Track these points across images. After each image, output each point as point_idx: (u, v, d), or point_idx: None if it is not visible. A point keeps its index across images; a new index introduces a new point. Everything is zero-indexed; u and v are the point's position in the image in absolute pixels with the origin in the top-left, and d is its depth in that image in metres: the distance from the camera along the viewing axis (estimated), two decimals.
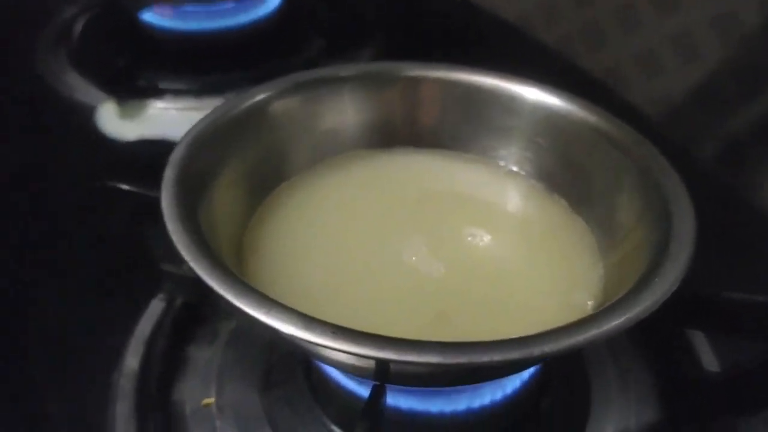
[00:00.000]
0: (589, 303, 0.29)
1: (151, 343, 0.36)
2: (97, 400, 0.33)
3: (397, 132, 0.36)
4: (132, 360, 0.35)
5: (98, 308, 0.37)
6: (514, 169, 0.35)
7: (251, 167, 0.32)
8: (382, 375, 0.25)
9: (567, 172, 0.34)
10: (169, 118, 0.51)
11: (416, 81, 0.36)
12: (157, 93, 0.52)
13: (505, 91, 0.35)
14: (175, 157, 0.29)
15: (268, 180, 0.34)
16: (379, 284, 0.30)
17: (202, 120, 0.31)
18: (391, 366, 0.23)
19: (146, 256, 0.36)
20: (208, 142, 0.30)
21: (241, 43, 0.56)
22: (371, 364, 0.23)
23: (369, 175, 0.35)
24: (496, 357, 0.21)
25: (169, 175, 0.28)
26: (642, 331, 0.35)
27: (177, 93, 0.53)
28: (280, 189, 0.34)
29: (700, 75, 0.58)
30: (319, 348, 0.22)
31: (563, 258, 0.31)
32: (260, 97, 0.33)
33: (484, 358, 0.21)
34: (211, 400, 0.34)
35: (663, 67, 0.60)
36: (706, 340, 0.34)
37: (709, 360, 0.34)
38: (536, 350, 0.22)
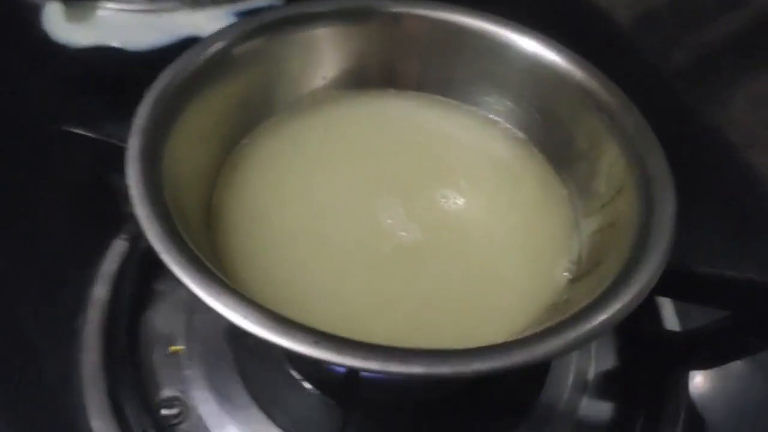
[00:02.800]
0: (565, 275, 0.29)
1: (116, 285, 0.35)
2: (64, 349, 0.33)
3: (374, 73, 0.35)
4: (97, 303, 0.34)
5: (61, 250, 0.36)
6: (495, 118, 0.34)
7: (218, 119, 0.31)
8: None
9: (549, 128, 0.33)
10: (121, 22, 0.47)
11: (396, 18, 0.34)
12: None
13: (492, 35, 0.33)
14: (138, 124, 0.27)
15: (237, 131, 0.32)
16: (354, 254, 0.29)
17: (163, 75, 0.29)
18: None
19: (108, 199, 0.35)
20: (172, 100, 0.28)
21: None
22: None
23: (341, 123, 0.34)
24: (477, 367, 0.21)
25: (134, 145, 0.26)
26: None
27: None
28: (248, 140, 0.32)
29: None
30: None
31: (541, 224, 0.31)
32: (223, 43, 0.31)
33: (467, 368, 0.21)
34: (180, 347, 0.34)
35: None
36: (672, 304, 0.35)
37: (672, 321, 0.35)
38: (516, 359, 0.22)
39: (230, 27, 0.31)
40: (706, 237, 0.39)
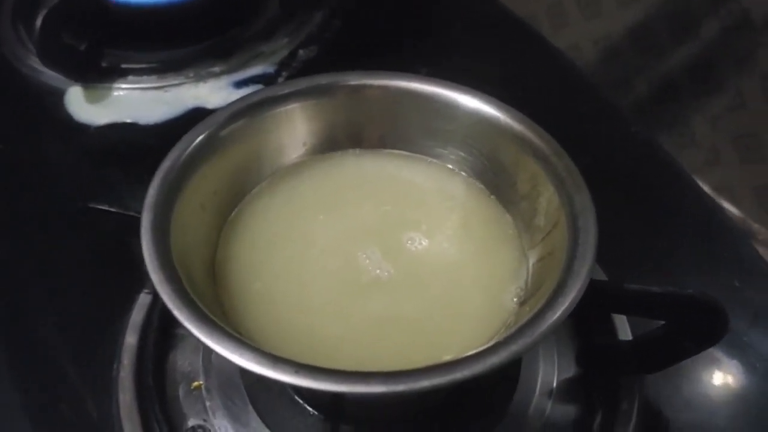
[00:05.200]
0: (515, 300, 0.34)
1: (144, 332, 0.41)
2: (103, 391, 0.39)
3: (344, 136, 0.40)
4: (129, 349, 0.40)
5: (95, 305, 0.42)
6: (452, 167, 0.40)
7: (216, 189, 0.36)
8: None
9: (496, 173, 0.38)
10: (134, 99, 0.54)
11: (358, 89, 0.39)
12: (121, 74, 0.55)
13: (442, 97, 0.39)
14: (149, 202, 0.33)
15: (233, 197, 0.38)
16: (336, 291, 0.35)
17: (167, 158, 0.34)
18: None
19: (132, 260, 0.41)
20: (175, 178, 0.34)
21: (196, 15, 0.58)
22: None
23: (321, 181, 0.39)
24: (426, 384, 0.27)
25: (146, 219, 0.32)
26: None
27: (139, 72, 0.55)
28: (243, 204, 0.38)
29: (636, 18, 0.61)
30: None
31: (494, 257, 0.36)
32: (214, 125, 0.36)
33: (418, 385, 0.27)
34: (200, 383, 0.40)
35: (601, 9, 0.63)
36: (626, 318, 0.40)
37: (624, 331, 0.40)
38: (457, 375, 0.27)
39: (220, 111, 0.37)
40: (672, 262, 0.45)
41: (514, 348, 0.28)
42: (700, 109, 0.59)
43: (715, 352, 0.42)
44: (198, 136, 0.36)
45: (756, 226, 0.54)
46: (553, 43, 0.59)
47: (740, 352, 0.43)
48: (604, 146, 0.50)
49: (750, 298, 0.45)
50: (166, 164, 0.34)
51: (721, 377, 0.42)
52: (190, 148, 0.35)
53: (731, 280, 0.46)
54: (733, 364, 0.42)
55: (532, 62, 0.60)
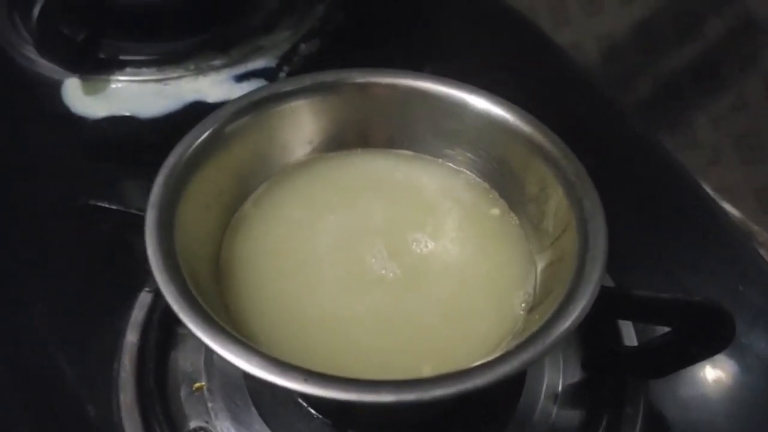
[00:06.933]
0: (523, 306, 0.34)
1: (145, 332, 0.40)
2: (103, 392, 0.38)
3: (351, 135, 0.40)
4: (129, 349, 0.39)
5: (95, 304, 0.41)
6: (459, 168, 0.39)
7: (220, 188, 0.36)
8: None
9: (505, 175, 0.38)
10: (133, 92, 0.53)
11: (365, 87, 0.39)
12: (119, 66, 0.54)
13: (451, 97, 0.38)
14: (153, 200, 0.32)
15: (238, 196, 0.37)
16: (342, 291, 0.35)
17: (170, 155, 0.34)
18: None
19: (132, 257, 0.40)
20: (179, 176, 0.33)
21: (196, 6, 0.57)
22: None
23: (327, 181, 0.39)
24: (437, 394, 0.26)
25: (150, 217, 0.31)
26: None
27: (138, 64, 0.54)
28: (248, 203, 0.37)
29: (639, 16, 0.61)
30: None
31: (502, 262, 0.36)
32: (219, 122, 0.36)
33: (428, 395, 0.26)
34: (203, 384, 0.39)
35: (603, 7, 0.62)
36: (631, 324, 0.40)
37: (630, 337, 0.40)
38: (475, 383, 0.27)
39: (222, 109, 0.36)
40: (674, 263, 0.44)
41: (526, 357, 0.28)
42: (703, 109, 0.59)
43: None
44: (202, 134, 0.35)
45: (756, 228, 0.54)
46: (555, 40, 0.59)
47: (739, 353, 0.42)
48: (606, 147, 0.49)
49: (750, 300, 0.45)
50: (170, 161, 0.34)
51: (721, 378, 0.42)
52: (194, 146, 0.35)
53: (732, 282, 0.46)
54: (731, 365, 0.42)
55: (534, 60, 0.59)
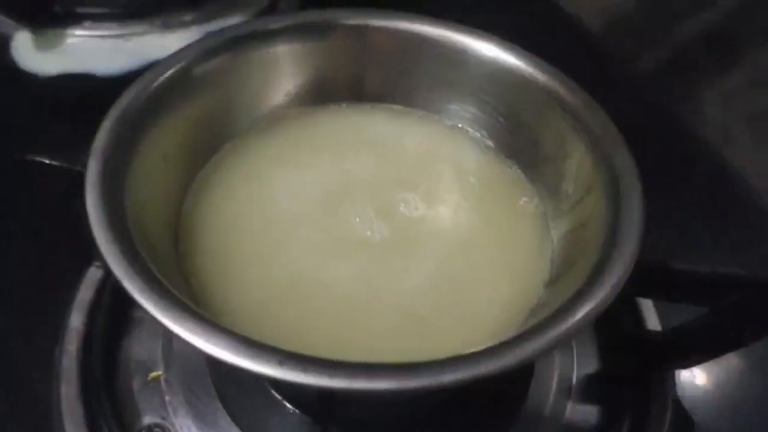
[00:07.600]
0: (541, 279, 0.29)
1: (92, 313, 0.34)
2: (42, 381, 0.32)
3: (336, 87, 0.34)
4: (73, 332, 0.34)
5: (36, 280, 0.35)
6: (460, 126, 0.34)
7: (182, 140, 0.30)
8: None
9: (514, 132, 0.33)
10: (90, 48, 0.47)
11: (355, 30, 0.33)
12: (76, 19, 0.48)
13: (451, 42, 0.33)
14: (98, 146, 0.26)
15: (202, 151, 0.32)
16: (324, 257, 0.29)
17: (123, 96, 0.28)
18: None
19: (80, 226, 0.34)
20: (133, 122, 0.28)
21: None
22: None
23: (307, 137, 0.34)
24: (446, 379, 0.21)
25: (93, 167, 0.26)
26: None
27: (98, 18, 0.48)
28: (214, 159, 0.32)
29: None
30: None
31: (513, 229, 0.31)
32: (183, 62, 0.30)
33: (435, 381, 0.21)
34: (159, 374, 0.33)
35: None
36: (652, 303, 0.35)
37: (654, 321, 0.35)
38: (484, 369, 0.21)
39: (189, 46, 0.31)
40: (682, 234, 0.39)
41: (551, 336, 0.23)
42: (714, 85, 0.54)
43: None
44: (164, 73, 0.30)
45: None
46: (565, 8, 0.54)
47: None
48: (619, 118, 0.44)
49: None
50: (122, 103, 0.28)
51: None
52: (153, 86, 0.29)
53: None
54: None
55: (543, 27, 0.54)
